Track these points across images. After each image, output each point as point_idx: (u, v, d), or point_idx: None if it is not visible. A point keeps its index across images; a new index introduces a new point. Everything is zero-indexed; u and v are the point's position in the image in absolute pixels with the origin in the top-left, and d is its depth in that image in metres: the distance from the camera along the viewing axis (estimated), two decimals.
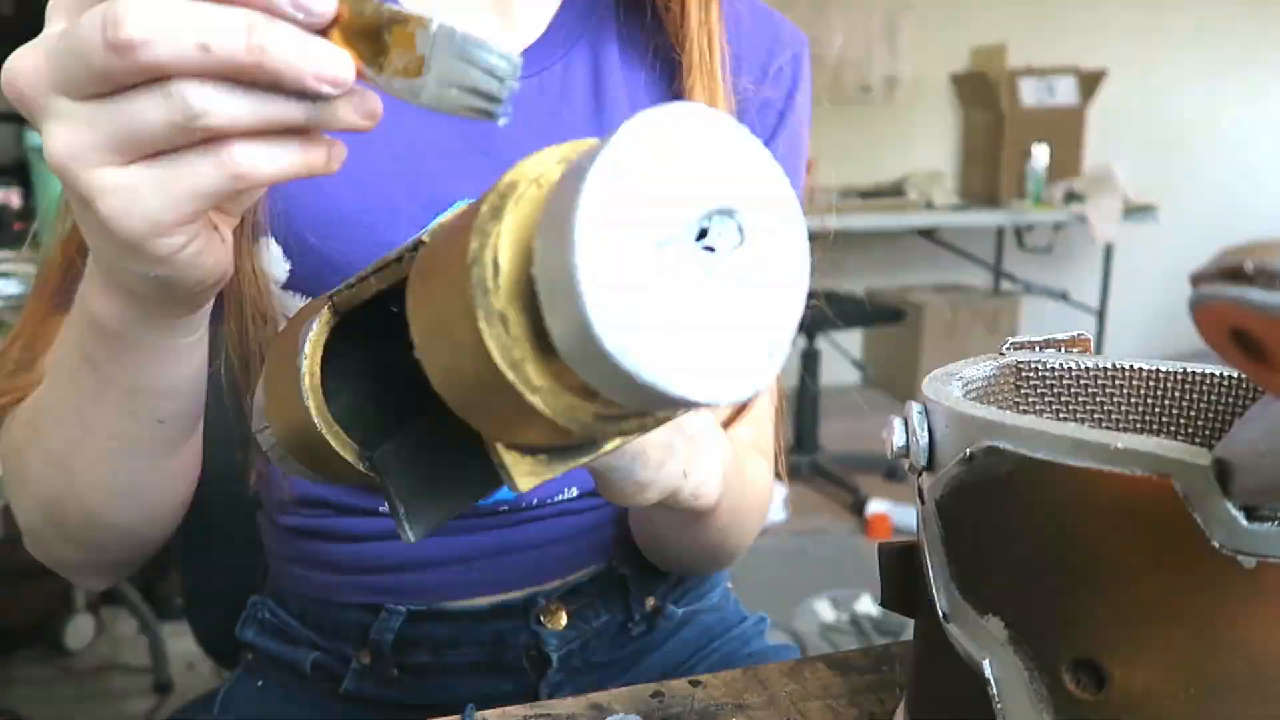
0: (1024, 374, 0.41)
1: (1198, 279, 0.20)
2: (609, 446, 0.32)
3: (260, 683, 0.65)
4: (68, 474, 0.47)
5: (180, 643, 1.99)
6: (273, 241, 0.53)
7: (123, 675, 1.89)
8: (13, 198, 1.74)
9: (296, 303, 0.55)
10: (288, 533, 0.62)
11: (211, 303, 0.41)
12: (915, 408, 0.35)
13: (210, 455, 0.55)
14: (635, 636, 0.65)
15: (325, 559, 0.61)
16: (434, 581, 0.60)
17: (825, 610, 2.10)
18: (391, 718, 0.61)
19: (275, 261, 0.54)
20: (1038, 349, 0.42)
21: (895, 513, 2.61)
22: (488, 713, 0.48)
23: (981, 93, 3.74)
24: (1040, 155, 3.56)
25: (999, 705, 0.31)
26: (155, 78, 0.28)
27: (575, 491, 0.60)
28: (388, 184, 0.54)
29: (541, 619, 0.60)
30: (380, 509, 0.59)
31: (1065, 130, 3.67)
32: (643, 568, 0.64)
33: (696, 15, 0.57)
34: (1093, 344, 0.42)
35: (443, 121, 0.54)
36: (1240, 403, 0.40)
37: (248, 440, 0.51)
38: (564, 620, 0.61)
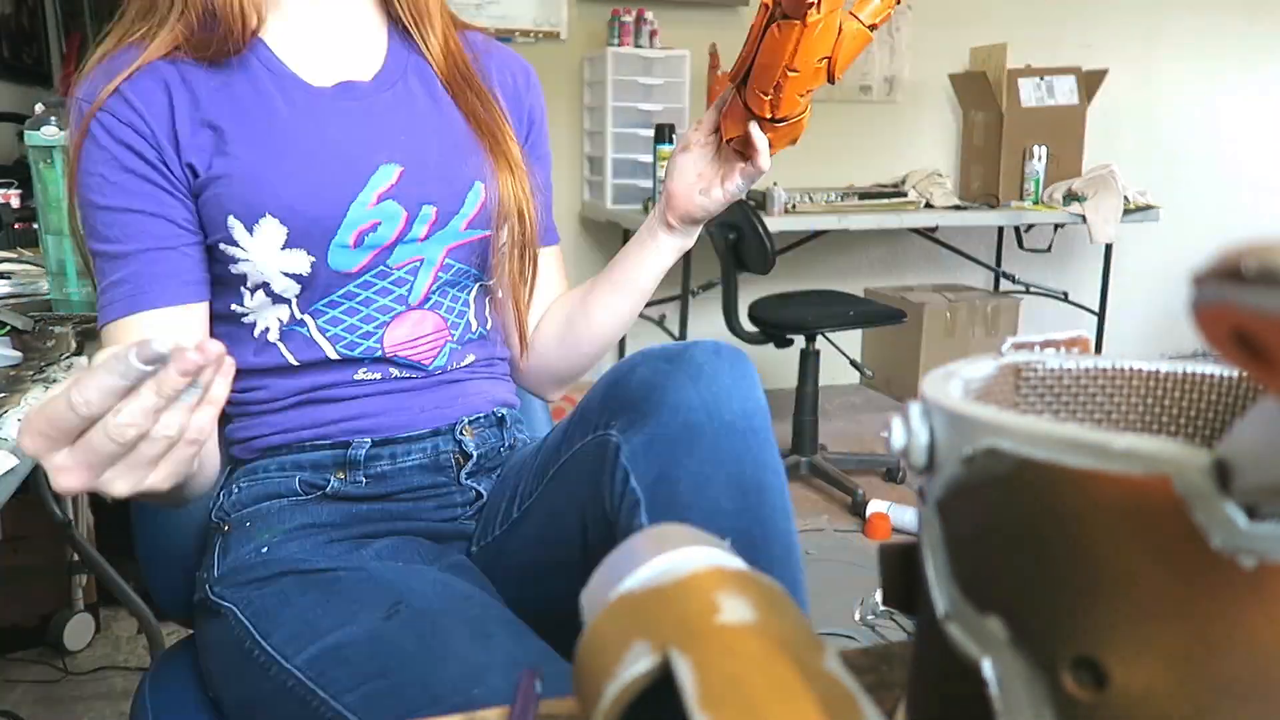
0: (1024, 374, 0.41)
1: (1198, 279, 0.20)
2: None
3: (249, 524, 0.85)
4: None
5: None
6: (269, 216, 0.80)
7: (122, 675, 1.89)
8: (13, 198, 1.74)
9: (294, 258, 0.81)
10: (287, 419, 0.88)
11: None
12: (915, 408, 0.35)
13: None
14: (513, 450, 0.96)
15: (318, 420, 0.87)
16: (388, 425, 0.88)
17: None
18: (361, 507, 0.87)
19: (277, 228, 0.80)
20: (1038, 349, 0.42)
21: (895, 513, 2.61)
22: (488, 712, 0.48)
23: (981, 93, 3.74)
24: (1040, 155, 3.56)
25: (999, 705, 0.31)
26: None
27: (472, 358, 0.94)
28: (322, 166, 0.83)
29: (462, 434, 0.91)
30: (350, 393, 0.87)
31: (1065, 130, 3.67)
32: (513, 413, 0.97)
33: (440, 45, 0.94)
34: (1093, 344, 0.42)
35: (355, 129, 0.86)
36: (1240, 403, 0.40)
37: None
38: (472, 435, 0.92)
